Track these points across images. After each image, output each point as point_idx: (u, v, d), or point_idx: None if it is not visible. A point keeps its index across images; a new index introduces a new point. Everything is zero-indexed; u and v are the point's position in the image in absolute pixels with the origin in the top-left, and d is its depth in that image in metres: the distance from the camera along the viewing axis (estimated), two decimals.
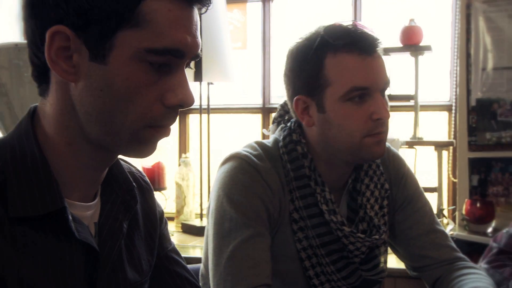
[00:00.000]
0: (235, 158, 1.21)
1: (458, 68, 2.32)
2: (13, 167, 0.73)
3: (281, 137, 1.25)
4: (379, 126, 1.15)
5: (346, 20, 1.19)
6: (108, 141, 0.75)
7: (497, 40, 2.26)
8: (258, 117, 2.88)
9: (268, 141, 1.27)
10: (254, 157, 1.20)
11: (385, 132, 1.18)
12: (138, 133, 0.74)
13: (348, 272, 1.22)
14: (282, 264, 1.22)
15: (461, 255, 1.37)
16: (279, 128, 1.30)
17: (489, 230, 2.14)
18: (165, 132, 0.77)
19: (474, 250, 1.79)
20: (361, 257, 1.23)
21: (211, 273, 1.15)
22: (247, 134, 2.94)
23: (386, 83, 1.17)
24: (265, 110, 2.87)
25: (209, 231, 1.19)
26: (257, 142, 1.26)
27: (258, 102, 2.89)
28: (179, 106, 0.75)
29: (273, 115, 1.38)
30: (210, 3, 0.76)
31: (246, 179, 1.17)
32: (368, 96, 1.14)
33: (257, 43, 2.88)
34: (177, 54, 0.72)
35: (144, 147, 0.76)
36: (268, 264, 1.14)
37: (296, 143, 1.23)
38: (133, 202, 0.89)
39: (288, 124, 1.28)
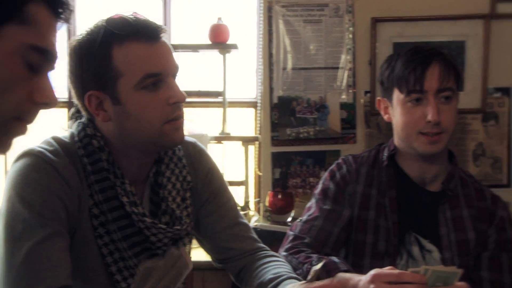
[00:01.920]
0: (29, 155, 1.12)
1: (262, 67, 2.45)
2: None
3: (76, 132, 1.20)
4: (176, 110, 1.16)
5: (125, 11, 1.18)
6: None
7: (295, 42, 2.43)
8: (65, 111, 2.73)
9: (65, 136, 1.20)
10: (50, 153, 1.13)
11: (182, 116, 1.19)
12: (5, 124, 0.78)
13: None
14: (83, 262, 1.17)
15: (262, 245, 1.44)
16: (76, 123, 1.24)
17: (289, 219, 2.29)
18: (25, 127, 0.82)
19: (276, 239, 1.90)
20: (164, 249, 1.23)
21: (1, 283, 1.06)
22: (52, 129, 2.76)
23: (176, 67, 1.19)
24: (71, 104, 2.72)
25: None
26: (53, 137, 1.19)
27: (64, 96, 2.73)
28: (46, 104, 0.82)
29: (72, 110, 1.31)
30: (70, 15, 0.84)
31: (41, 176, 1.10)
32: (162, 82, 1.14)
33: None
34: (51, 58, 0.80)
35: (6, 139, 0.80)
36: (67, 264, 1.08)
37: (91, 137, 1.18)
38: None
39: (82, 119, 1.23)
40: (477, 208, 1.50)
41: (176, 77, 1.20)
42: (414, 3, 2.40)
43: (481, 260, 1.46)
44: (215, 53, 2.56)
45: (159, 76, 1.14)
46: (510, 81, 2.41)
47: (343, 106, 2.43)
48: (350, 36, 2.42)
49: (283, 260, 1.39)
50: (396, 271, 1.17)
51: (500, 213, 1.49)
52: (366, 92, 2.43)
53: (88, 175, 1.17)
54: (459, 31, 2.39)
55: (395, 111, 1.50)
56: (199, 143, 1.42)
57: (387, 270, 1.19)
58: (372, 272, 1.20)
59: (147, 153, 1.22)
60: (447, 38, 2.40)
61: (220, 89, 2.55)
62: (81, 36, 1.15)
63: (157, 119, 1.14)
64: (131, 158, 1.21)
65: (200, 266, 2.10)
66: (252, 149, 2.60)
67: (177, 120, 1.17)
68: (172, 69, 1.16)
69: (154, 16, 1.24)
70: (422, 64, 1.43)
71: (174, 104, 1.15)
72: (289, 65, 2.43)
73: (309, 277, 1.15)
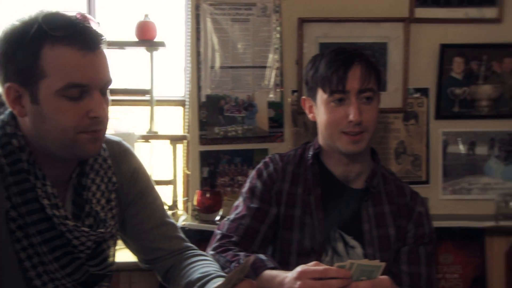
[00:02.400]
0: None
1: (190, 65, 2.43)
2: None
3: None
4: (95, 124, 1.12)
5: (70, 10, 1.13)
6: None
7: (222, 41, 2.43)
8: None
9: None
10: None
11: (102, 130, 1.16)
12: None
13: (73, 268, 1.18)
14: None
15: (190, 244, 1.44)
16: None
17: (217, 218, 2.29)
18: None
19: (204, 238, 1.90)
20: (87, 252, 1.20)
21: None
22: None
23: (107, 82, 1.15)
24: None
25: None
26: None
27: None
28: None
29: None
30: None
31: None
32: (87, 93, 1.10)
33: None
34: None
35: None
36: None
37: (10, 136, 1.13)
38: None
39: (2, 116, 1.17)
40: (398, 205, 1.56)
41: (107, 91, 1.17)
42: (340, 4, 2.46)
43: (400, 254, 1.52)
44: (142, 51, 2.52)
45: (84, 87, 1.10)
46: (428, 82, 2.52)
47: (271, 105, 2.45)
48: (278, 35, 2.45)
49: (210, 259, 1.40)
50: (321, 267, 1.20)
51: (419, 209, 1.56)
52: (293, 91, 2.47)
53: (5, 176, 1.12)
54: (381, 33, 2.48)
55: (319, 110, 1.54)
56: (124, 142, 1.39)
57: (312, 266, 1.21)
58: (298, 268, 1.22)
59: (63, 159, 1.18)
60: (371, 39, 2.47)
61: (148, 87, 2.51)
62: (17, 23, 1.09)
63: (72, 128, 1.09)
64: (52, 159, 1.17)
65: (126, 267, 2.06)
66: (180, 148, 2.58)
67: (95, 132, 1.13)
68: (100, 83, 1.12)
69: (78, 10, 1.19)
70: (344, 65, 1.47)
71: (94, 118, 1.12)
72: (217, 63, 2.43)
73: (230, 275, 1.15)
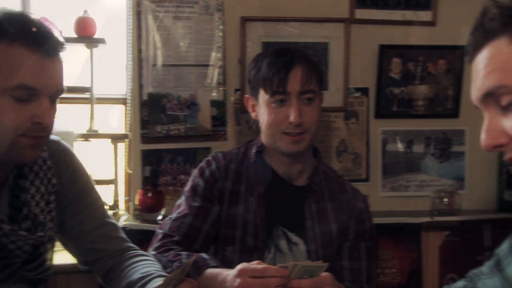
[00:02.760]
0: None
1: (131, 63, 2.39)
2: None
3: None
4: (37, 130, 1.10)
5: (32, 11, 1.11)
6: None
7: (165, 38, 2.40)
8: None
9: None
10: None
11: (44, 137, 1.13)
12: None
13: (8, 274, 1.14)
14: None
15: (131, 244, 1.42)
16: None
17: (159, 218, 2.27)
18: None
19: (146, 238, 1.88)
20: (23, 256, 1.16)
21: None
22: None
23: (59, 91, 1.13)
24: None
25: None
26: None
27: None
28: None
29: None
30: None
31: None
32: (35, 97, 1.08)
33: None
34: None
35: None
36: None
37: None
38: None
39: None
40: (339, 201, 1.59)
41: (56, 99, 1.14)
42: (283, 4, 2.48)
43: (342, 250, 1.55)
44: (81, 47, 2.46)
45: (34, 91, 1.07)
46: (368, 81, 2.58)
47: (214, 103, 2.45)
48: (220, 34, 2.44)
49: (152, 259, 1.38)
50: (261, 266, 1.22)
51: (359, 206, 1.60)
52: (236, 90, 2.47)
53: None
54: (323, 33, 2.52)
55: (261, 110, 1.55)
56: (63, 142, 1.36)
57: (253, 264, 1.23)
58: (239, 266, 1.23)
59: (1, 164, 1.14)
60: (313, 39, 2.51)
61: (88, 85, 2.45)
62: None
63: (12, 130, 1.06)
64: None
65: (65, 270, 2.01)
66: (121, 146, 2.54)
67: (36, 137, 1.11)
68: (52, 90, 1.10)
69: (11, 5, 1.15)
70: (285, 67, 1.49)
71: (38, 124, 1.09)
72: (159, 61, 2.40)
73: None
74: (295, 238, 1.54)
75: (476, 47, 0.85)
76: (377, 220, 1.75)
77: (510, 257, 1.08)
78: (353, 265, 1.54)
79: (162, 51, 2.40)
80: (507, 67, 0.80)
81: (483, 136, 0.86)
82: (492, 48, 0.82)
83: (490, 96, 0.83)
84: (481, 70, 0.83)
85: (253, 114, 1.61)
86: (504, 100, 0.81)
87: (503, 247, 1.11)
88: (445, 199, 2.55)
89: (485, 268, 1.14)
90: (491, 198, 2.67)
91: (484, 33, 0.83)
